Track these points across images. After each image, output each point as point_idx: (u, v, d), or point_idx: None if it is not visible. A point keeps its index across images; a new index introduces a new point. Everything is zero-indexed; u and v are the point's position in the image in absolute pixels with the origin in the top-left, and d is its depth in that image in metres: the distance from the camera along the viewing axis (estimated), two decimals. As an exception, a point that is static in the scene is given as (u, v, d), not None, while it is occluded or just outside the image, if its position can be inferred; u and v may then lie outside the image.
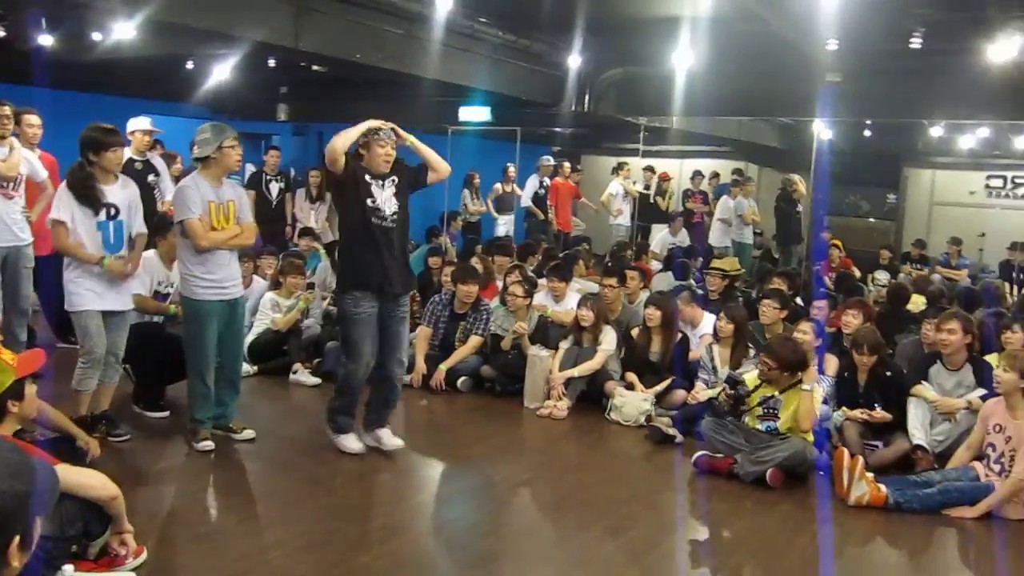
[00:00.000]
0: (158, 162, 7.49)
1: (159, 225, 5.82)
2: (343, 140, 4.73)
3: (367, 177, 4.78)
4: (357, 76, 10.61)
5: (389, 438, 5.07)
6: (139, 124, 6.88)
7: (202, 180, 4.84)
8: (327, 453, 5.14)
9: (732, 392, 5.20)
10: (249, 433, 5.18)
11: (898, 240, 14.86)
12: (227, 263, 4.92)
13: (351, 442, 4.97)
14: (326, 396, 6.38)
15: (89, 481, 3.06)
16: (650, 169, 13.25)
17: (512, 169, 12.08)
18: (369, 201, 4.75)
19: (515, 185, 12.10)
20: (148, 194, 6.82)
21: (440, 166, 5.03)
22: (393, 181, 4.86)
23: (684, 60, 8.82)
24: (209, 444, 4.93)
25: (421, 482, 5.05)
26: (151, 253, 5.75)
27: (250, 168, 10.61)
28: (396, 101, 11.48)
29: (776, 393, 5.19)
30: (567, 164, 12.36)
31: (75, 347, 6.21)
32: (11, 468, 1.49)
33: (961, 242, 12.97)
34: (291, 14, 7.15)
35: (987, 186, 15.04)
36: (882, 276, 12.04)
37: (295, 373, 6.72)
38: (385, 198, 4.79)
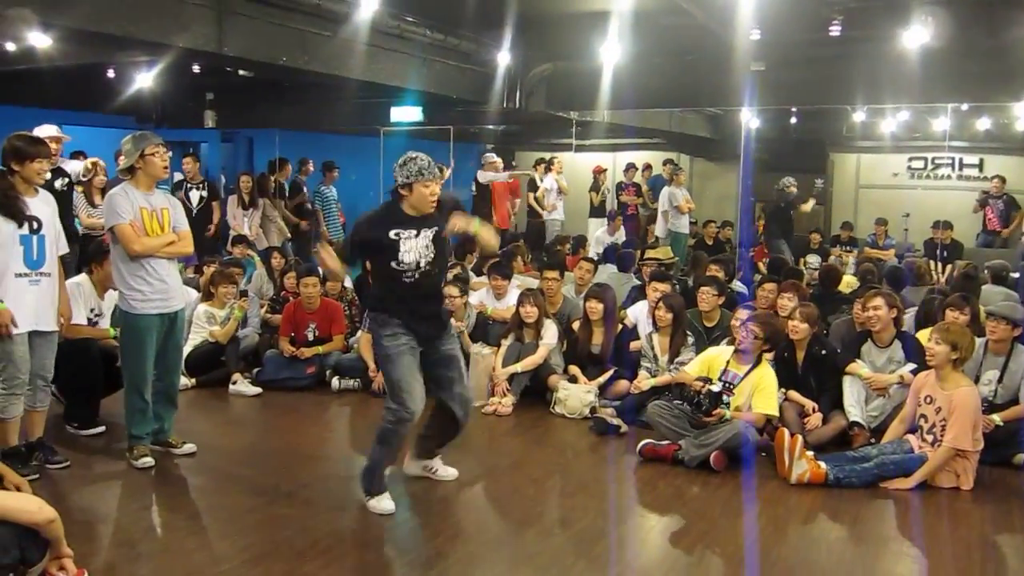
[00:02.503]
0: (69, 165, 7.31)
1: (95, 251, 5.68)
2: (336, 268, 4.60)
3: (391, 234, 4.19)
4: (285, 80, 10.46)
5: (444, 468, 4.78)
6: (46, 131, 6.66)
7: (132, 188, 4.74)
8: (270, 463, 5.09)
9: (710, 393, 5.10)
10: (189, 447, 5.08)
11: (827, 223, 15.20)
12: (166, 274, 4.80)
13: (385, 503, 4.30)
14: (267, 406, 6.40)
15: (24, 505, 2.96)
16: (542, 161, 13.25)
17: (448, 171, 12.08)
18: (393, 263, 4.21)
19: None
20: (62, 204, 6.64)
21: (492, 248, 4.96)
22: (431, 229, 4.25)
23: (612, 54, 8.90)
24: (149, 460, 4.83)
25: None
26: (83, 278, 5.60)
27: (177, 176, 10.41)
28: (326, 104, 11.36)
29: (737, 371, 5.28)
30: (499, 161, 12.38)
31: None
32: None
33: (887, 223, 13.33)
34: (213, 18, 7.01)
35: (909, 168, 15.46)
36: (813, 259, 12.32)
37: (235, 384, 6.62)
38: (416, 251, 4.20)
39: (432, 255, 4.26)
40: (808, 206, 12.08)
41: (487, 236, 4.52)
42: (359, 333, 7.09)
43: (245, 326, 7.17)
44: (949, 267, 11.50)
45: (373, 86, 9.19)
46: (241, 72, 9.46)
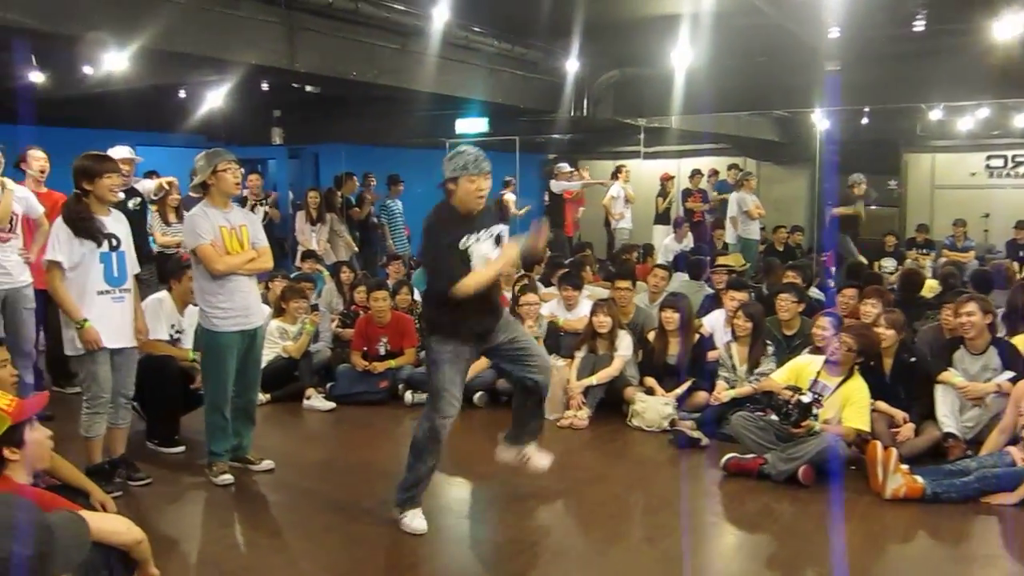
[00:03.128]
0: (142, 185, 7.42)
1: (173, 269, 5.74)
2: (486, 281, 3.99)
3: (462, 243, 3.96)
4: (351, 94, 10.54)
5: (537, 456, 4.55)
6: (118, 152, 6.78)
7: (209, 207, 4.76)
8: (347, 479, 5.05)
9: (799, 403, 4.91)
10: (268, 464, 5.08)
11: (902, 226, 14.77)
12: (247, 291, 4.81)
13: (418, 522, 4.15)
14: (341, 421, 6.38)
15: (114, 527, 2.94)
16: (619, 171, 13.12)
17: (512, 182, 12.09)
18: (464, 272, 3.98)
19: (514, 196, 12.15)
20: (135, 224, 6.75)
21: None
22: (488, 230, 4.06)
23: (682, 58, 8.72)
24: (228, 478, 4.83)
25: (445, 503, 4.92)
26: (164, 295, 5.67)
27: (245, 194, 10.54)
28: (392, 118, 11.43)
29: (828, 382, 5.09)
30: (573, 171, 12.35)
31: (67, 392, 6.14)
32: (6, 528, 1.35)
33: (965, 224, 12.88)
34: (284, 35, 7.08)
35: (988, 166, 14.96)
36: (888, 263, 11.98)
37: (308, 399, 6.62)
38: (481, 257, 3.99)
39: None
40: (850, 210, 11.63)
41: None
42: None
43: (316, 341, 7.18)
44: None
45: (439, 98, 9.20)
46: (308, 88, 9.55)
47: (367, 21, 7.65)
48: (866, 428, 5.04)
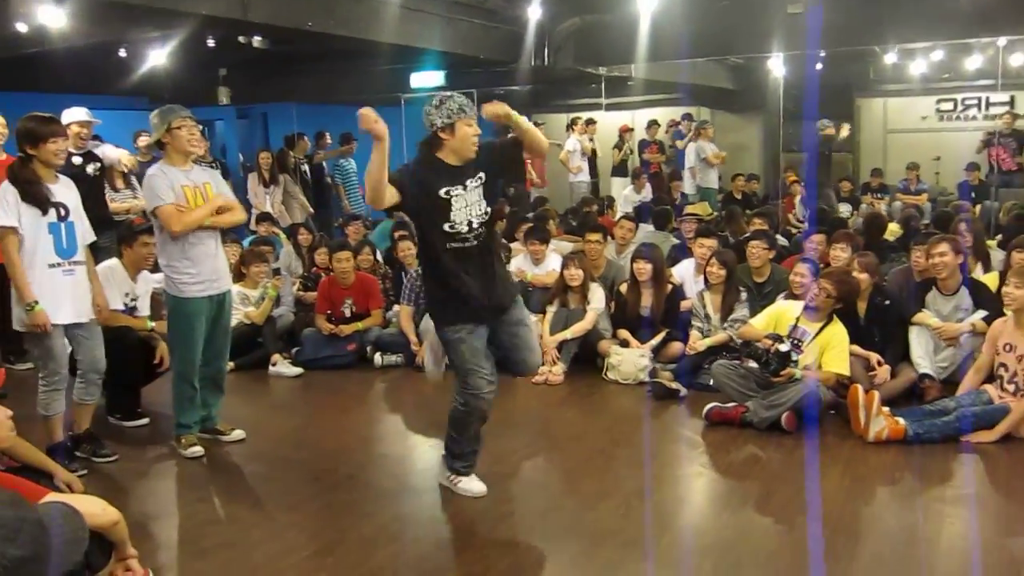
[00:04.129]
0: (102, 150, 7.05)
1: (124, 235, 5.47)
2: (375, 171, 3.55)
3: (443, 192, 3.68)
4: (301, 50, 10.17)
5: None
6: (74, 115, 6.41)
7: (168, 167, 4.51)
8: (323, 446, 4.93)
9: (778, 352, 4.85)
10: (239, 433, 4.91)
11: (856, 170, 14.84)
12: (214, 254, 4.59)
13: (475, 485, 4.03)
14: (310, 386, 6.22)
15: (88, 508, 2.77)
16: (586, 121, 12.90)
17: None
18: (446, 226, 3.70)
19: None
20: (95, 189, 6.43)
21: (540, 144, 3.83)
22: (479, 178, 3.76)
23: (646, 3, 8.52)
24: (199, 450, 4.66)
25: (425, 467, 4.79)
26: (115, 263, 5.38)
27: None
28: (344, 74, 11.08)
29: (808, 327, 5.05)
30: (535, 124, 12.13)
31: (16, 368, 5.89)
32: (3, 530, 1.21)
33: (918, 167, 12.97)
34: (236, -17, 6.74)
35: (938, 110, 15.01)
36: (844, 208, 12.04)
37: (274, 365, 6.45)
38: (467, 210, 3.71)
39: (484, 210, 3.76)
40: (845, 130, 11.64)
41: (531, 130, 3.77)
42: (396, 307, 6.90)
43: (279, 305, 6.97)
44: (979, 207, 11.13)
45: (393, 52, 8.92)
46: (256, 44, 9.17)
47: (322, -31, 7.32)
48: (846, 372, 5.03)
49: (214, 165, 9.62)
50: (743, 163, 14.41)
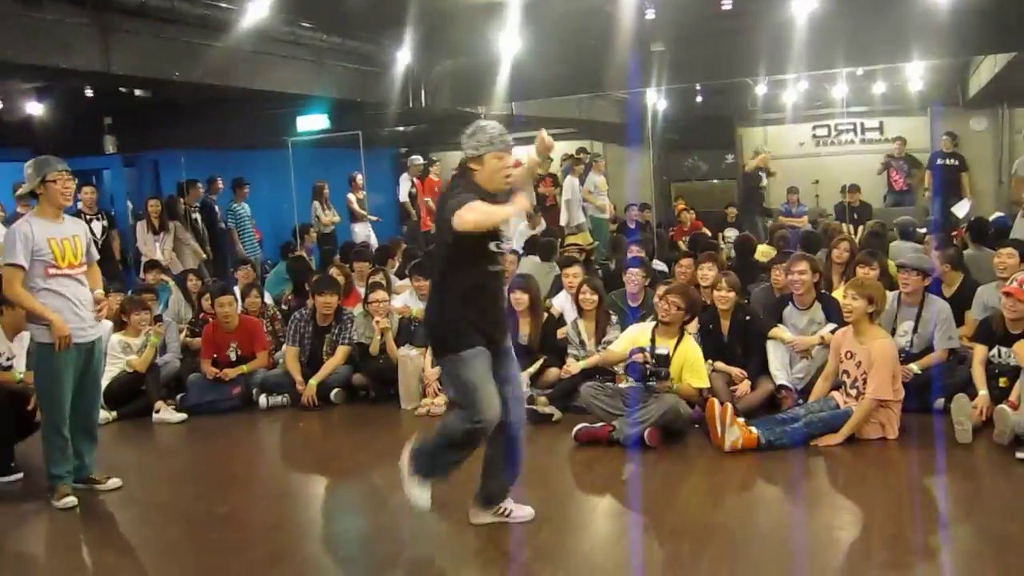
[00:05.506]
0: None
1: (1, 297, 5.42)
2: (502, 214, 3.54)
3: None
4: (185, 97, 10.16)
5: (519, 508, 4.05)
6: None
7: (36, 219, 4.53)
8: (200, 489, 4.95)
9: (654, 365, 5.09)
10: (115, 482, 4.87)
11: (741, 197, 15.49)
12: (77, 303, 4.58)
13: (423, 496, 3.83)
14: (194, 431, 6.20)
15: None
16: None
17: (360, 177, 11.98)
18: (493, 245, 3.61)
19: (363, 193, 12.09)
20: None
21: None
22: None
23: (511, 45, 8.87)
24: (71, 500, 4.60)
25: (304, 502, 4.90)
26: None
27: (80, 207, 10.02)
28: (230, 119, 11.07)
29: (666, 344, 5.29)
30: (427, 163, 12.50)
31: None
32: None
33: (798, 191, 13.71)
34: (96, 36, 6.72)
35: (814, 136, 15.87)
36: (731, 233, 12.56)
37: (158, 412, 6.39)
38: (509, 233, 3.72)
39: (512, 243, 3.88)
40: (760, 159, 12.81)
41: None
42: (284, 348, 6.95)
43: (164, 352, 6.94)
44: (860, 228, 11.83)
45: (277, 97, 9.01)
46: (137, 92, 9.15)
47: (185, 19, 7.30)
48: (706, 384, 5.32)
49: (100, 217, 9.56)
50: (640, 194, 14.88)
